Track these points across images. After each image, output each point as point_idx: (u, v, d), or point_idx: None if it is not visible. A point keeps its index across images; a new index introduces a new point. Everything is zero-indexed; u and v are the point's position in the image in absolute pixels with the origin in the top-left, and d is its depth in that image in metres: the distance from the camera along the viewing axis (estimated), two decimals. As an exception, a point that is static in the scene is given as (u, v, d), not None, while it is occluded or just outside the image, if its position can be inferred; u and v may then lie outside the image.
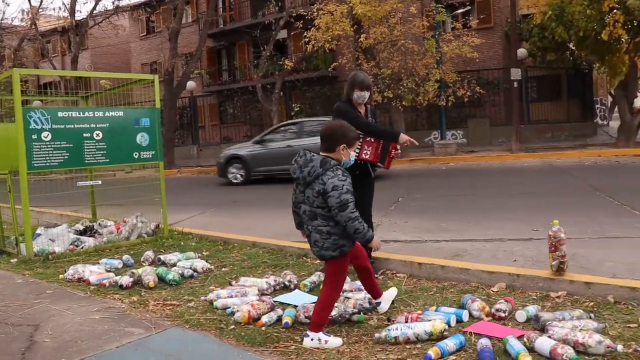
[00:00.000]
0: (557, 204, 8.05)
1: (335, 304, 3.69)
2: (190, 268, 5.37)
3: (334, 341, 3.32)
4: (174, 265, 5.58)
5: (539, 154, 16.65)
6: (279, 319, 3.81)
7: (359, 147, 4.74)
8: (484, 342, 3.04)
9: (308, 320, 3.69)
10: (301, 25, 18.27)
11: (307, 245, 5.94)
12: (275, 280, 4.70)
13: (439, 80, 17.22)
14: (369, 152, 4.78)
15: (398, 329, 3.30)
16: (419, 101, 16.94)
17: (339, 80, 23.62)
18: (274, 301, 4.21)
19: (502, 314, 3.63)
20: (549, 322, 3.33)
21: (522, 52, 19.86)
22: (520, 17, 21.92)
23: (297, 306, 3.93)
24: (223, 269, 5.51)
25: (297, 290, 4.58)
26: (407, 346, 3.24)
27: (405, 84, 16.51)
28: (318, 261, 5.52)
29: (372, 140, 4.75)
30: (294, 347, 3.35)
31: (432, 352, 2.99)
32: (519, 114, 18.84)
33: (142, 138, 7.24)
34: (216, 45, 30.11)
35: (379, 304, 3.95)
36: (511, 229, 6.48)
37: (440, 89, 17.65)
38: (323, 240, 3.38)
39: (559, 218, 4.16)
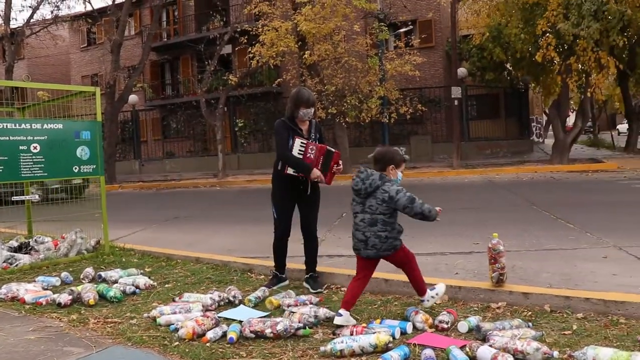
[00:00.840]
0: (497, 219, 8.31)
1: (280, 319, 3.73)
2: (132, 285, 5.25)
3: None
4: (115, 282, 5.44)
5: (479, 170, 17.16)
6: (224, 334, 3.77)
7: None
8: (428, 352, 3.12)
9: (253, 335, 3.70)
10: (246, 41, 18.30)
11: (251, 261, 6.07)
12: (219, 296, 4.66)
13: (381, 97, 17.53)
14: None
15: (343, 342, 3.34)
16: (362, 118, 17.21)
17: (284, 96, 23.70)
18: (219, 317, 4.18)
19: (445, 325, 3.73)
20: (490, 332, 3.44)
21: (462, 71, 20.52)
22: (460, 37, 22.69)
23: (242, 321, 3.91)
24: (166, 286, 5.41)
25: (241, 305, 4.56)
26: (353, 359, 3.28)
27: (348, 101, 16.74)
28: (262, 276, 5.55)
29: (312, 157, 4.79)
30: (240, 363, 3.34)
31: (376, 363, 3.05)
32: (460, 131, 19.40)
33: (82, 152, 7.04)
34: (159, 59, 29.73)
35: (422, 301, 4.11)
36: (453, 243, 6.65)
37: (383, 106, 17.98)
38: (381, 243, 3.99)
39: (498, 232, 4.32)
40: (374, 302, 4.52)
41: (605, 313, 3.84)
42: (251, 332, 3.71)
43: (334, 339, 3.50)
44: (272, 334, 3.67)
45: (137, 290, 5.20)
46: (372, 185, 3.96)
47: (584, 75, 16.94)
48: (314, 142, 4.87)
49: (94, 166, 7.22)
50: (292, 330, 3.69)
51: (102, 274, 5.73)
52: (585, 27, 14.06)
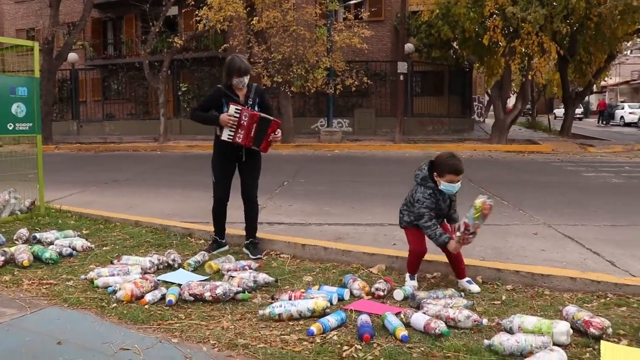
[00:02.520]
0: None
1: (219, 283, 3.81)
2: (69, 246, 5.16)
3: None
4: (51, 243, 5.30)
5: (420, 145, 17.52)
6: (163, 297, 3.79)
7: (234, 129, 4.83)
8: (364, 318, 3.24)
9: (192, 298, 3.74)
10: (193, 3, 17.84)
11: (191, 225, 6.07)
12: (158, 259, 4.65)
13: (328, 68, 17.54)
14: (241, 136, 4.85)
15: (282, 306, 3.42)
16: (307, 88, 17.19)
17: (230, 63, 23.37)
18: (158, 280, 4.19)
19: (381, 293, 3.87)
20: (424, 300, 3.61)
21: (409, 47, 20.70)
22: (409, 13, 22.82)
23: (181, 284, 3.93)
24: (104, 248, 5.34)
25: (181, 269, 4.58)
26: (290, 323, 3.36)
27: (294, 70, 16.68)
28: (202, 241, 5.57)
29: (245, 124, 4.82)
30: (177, 324, 3.37)
31: (314, 327, 3.14)
32: (403, 106, 19.68)
33: (18, 108, 6.74)
34: (102, 17, 28.56)
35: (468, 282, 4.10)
36: (392, 214, 6.76)
37: (329, 77, 18.01)
38: (401, 218, 4.30)
39: None
40: (313, 270, 4.61)
41: (532, 285, 4.08)
42: (190, 295, 3.74)
43: (272, 303, 3.58)
44: (211, 297, 3.72)
45: (74, 252, 5.12)
46: (415, 179, 4.20)
47: (526, 58, 17.41)
48: (248, 109, 4.88)
49: (30, 124, 6.94)
50: (231, 294, 3.75)
51: (37, 235, 5.55)
52: (532, 11, 14.44)
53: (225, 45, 18.18)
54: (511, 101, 26.30)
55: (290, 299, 3.62)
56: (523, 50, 16.04)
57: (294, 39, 16.95)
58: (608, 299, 3.77)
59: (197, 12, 17.30)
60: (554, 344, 2.89)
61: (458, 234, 3.84)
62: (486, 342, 2.92)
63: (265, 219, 6.51)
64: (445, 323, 3.22)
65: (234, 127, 4.85)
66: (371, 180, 10.35)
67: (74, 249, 5.17)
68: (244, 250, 5.17)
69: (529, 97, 21.05)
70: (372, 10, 22.37)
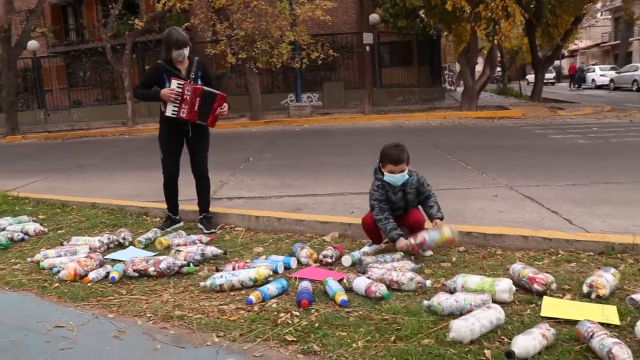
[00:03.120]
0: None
1: (163, 257, 3.74)
2: (21, 231, 5.12)
3: None
4: (4, 229, 5.24)
5: (390, 116, 17.45)
6: (108, 275, 3.72)
7: (177, 104, 4.73)
8: (304, 284, 3.19)
9: (137, 274, 3.68)
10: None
11: (147, 204, 5.99)
12: (108, 238, 4.60)
13: (293, 42, 17.32)
14: (185, 110, 4.76)
15: (223, 277, 3.36)
16: (272, 63, 16.97)
17: (194, 42, 22.96)
18: (106, 258, 4.14)
19: (329, 260, 3.83)
20: (370, 265, 3.56)
21: (374, 17, 20.49)
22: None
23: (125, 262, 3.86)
24: (59, 232, 5.31)
25: (131, 247, 4.50)
26: (232, 293, 3.32)
27: (259, 46, 16.44)
28: (157, 219, 5.51)
29: (188, 98, 4.73)
30: (116, 300, 3.31)
31: (253, 296, 3.09)
32: (372, 78, 19.56)
33: None
34: (61, 2, 27.83)
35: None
36: (354, 184, 6.76)
37: (295, 51, 17.79)
38: None
39: None
40: (266, 241, 4.58)
41: (484, 246, 4.07)
42: (134, 271, 3.68)
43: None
44: (155, 272, 3.66)
45: (26, 236, 5.08)
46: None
47: (492, 23, 17.31)
48: (191, 83, 4.79)
49: None
50: (175, 268, 3.69)
51: None
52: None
53: (186, 24, 17.79)
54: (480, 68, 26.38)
55: (233, 269, 3.57)
56: (488, 14, 15.90)
57: (257, 15, 16.66)
58: (559, 255, 3.77)
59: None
60: (497, 302, 2.87)
61: (412, 241, 3.74)
62: (425, 302, 2.89)
63: (225, 194, 6.47)
64: (389, 286, 3.19)
65: (177, 102, 4.76)
66: (337, 152, 10.29)
67: (26, 233, 5.12)
68: (199, 225, 5.12)
69: (496, 63, 21.02)
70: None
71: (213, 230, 4.96)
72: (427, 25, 23.36)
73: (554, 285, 3.06)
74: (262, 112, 18.32)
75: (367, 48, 18.41)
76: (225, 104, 4.93)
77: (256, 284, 3.34)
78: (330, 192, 6.33)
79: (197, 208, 5.26)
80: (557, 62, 43.75)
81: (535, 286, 3.03)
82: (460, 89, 29.33)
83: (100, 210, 6.04)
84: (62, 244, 4.62)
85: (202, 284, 3.38)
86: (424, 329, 2.62)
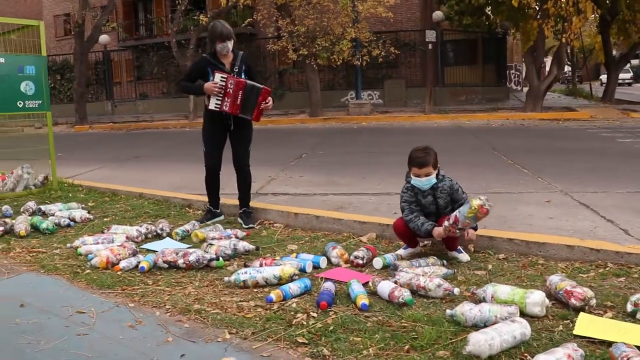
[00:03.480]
0: (452, 161, 8.16)
1: (193, 250, 3.73)
2: (68, 217, 5.27)
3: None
4: (53, 215, 5.41)
5: (450, 116, 17.06)
6: (139, 264, 3.74)
7: (220, 98, 4.73)
8: (327, 285, 3.10)
9: (166, 265, 3.68)
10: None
11: (191, 196, 6.04)
12: (147, 228, 4.65)
13: (354, 39, 17.20)
14: (228, 104, 4.76)
15: (247, 273, 3.31)
16: (333, 60, 16.91)
17: (257, 38, 23.24)
18: (141, 248, 4.18)
19: (360, 261, 3.71)
20: (400, 269, 3.43)
21: (438, 14, 20.09)
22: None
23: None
24: (104, 219, 5.42)
25: (167, 238, 4.53)
26: (255, 290, 3.25)
27: (319, 43, 16.41)
28: (200, 212, 5.53)
29: (231, 91, 4.72)
30: (141, 290, 3.32)
31: (273, 294, 3.02)
32: (434, 76, 19.19)
33: (27, 87, 6.93)
34: (132, -1, 28.81)
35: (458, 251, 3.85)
36: (401, 184, 6.59)
37: (356, 48, 17.67)
38: None
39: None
40: (302, 238, 4.51)
41: (526, 254, 3.84)
42: (164, 262, 3.68)
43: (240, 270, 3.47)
44: (184, 265, 3.65)
45: (72, 223, 5.20)
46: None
47: (561, 21, 16.61)
48: (234, 76, 4.78)
49: (40, 102, 7.10)
50: (204, 262, 3.66)
51: (43, 207, 5.74)
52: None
53: (249, 19, 17.99)
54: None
55: (260, 266, 3.50)
56: (557, 11, 15.22)
57: (319, 11, 16.65)
58: (607, 268, 3.50)
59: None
60: (528, 315, 2.69)
61: (446, 223, 3.57)
62: (448, 312, 2.73)
63: (272, 189, 6.45)
64: (416, 292, 3.06)
65: (221, 95, 4.76)
66: (389, 151, 10.09)
67: (72, 220, 5.26)
68: (239, 219, 5.10)
69: (564, 62, 20.09)
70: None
71: (251, 225, 4.93)
72: (493, 23, 22.72)
73: (593, 301, 2.82)
74: (322, 108, 18.29)
75: (430, 46, 18.08)
76: (269, 97, 4.91)
77: (280, 282, 3.26)
78: (376, 192, 6.19)
79: (237, 202, 5.25)
80: (635, 62, 41.53)
81: (572, 300, 2.81)
82: (526, 89, 28.44)
83: (146, 201, 6.17)
84: (102, 232, 4.70)
85: (226, 279, 3.34)
86: (442, 339, 2.46)
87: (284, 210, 5.08)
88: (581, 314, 2.71)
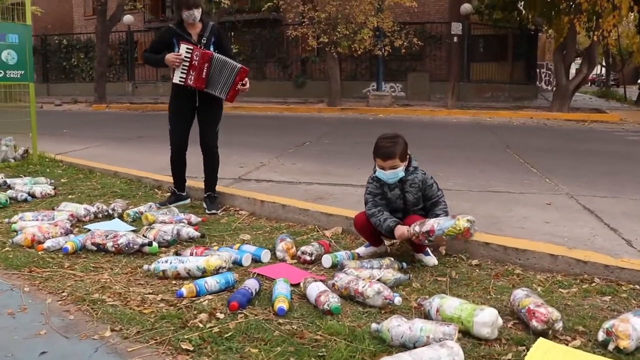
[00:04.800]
0: (461, 157, 7.73)
1: (124, 233, 3.34)
2: (27, 192, 5.00)
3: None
4: (12, 189, 5.17)
5: (472, 112, 16.45)
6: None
7: (185, 71, 4.34)
8: (249, 283, 2.70)
9: (94, 248, 3.32)
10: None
11: (163, 177, 5.66)
12: (98, 208, 4.32)
13: (377, 29, 16.66)
14: (192, 77, 4.36)
15: (168, 262, 2.91)
16: (354, 49, 16.40)
17: (282, 24, 22.80)
18: (84, 228, 3.86)
19: (308, 257, 3.29)
20: (347, 269, 3.00)
21: (466, 7, 19.33)
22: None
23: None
24: (69, 196, 5.14)
25: (117, 219, 4.17)
26: (174, 282, 2.86)
27: (340, 30, 15.92)
28: (169, 193, 5.14)
29: (196, 64, 4.33)
30: (49, 273, 2.96)
31: (185, 289, 2.62)
32: (458, 70, 18.54)
33: (8, 56, 6.71)
34: (159, -21, 28.63)
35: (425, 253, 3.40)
36: (396, 177, 6.13)
37: (378, 38, 17.12)
38: None
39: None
40: (263, 228, 4.11)
41: (503, 261, 3.38)
42: (92, 244, 3.33)
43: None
44: (113, 248, 3.29)
45: (30, 198, 4.95)
46: None
47: (594, 17, 15.75)
48: (200, 48, 4.38)
49: (22, 72, 6.90)
50: (135, 246, 3.28)
51: (8, 180, 5.51)
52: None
53: (268, 3, 17.56)
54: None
55: (191, 254, 3.09)
56: (590, 7, 14.40)
57: (341, -3, 16.17)
58: (594, 284, 3.01)
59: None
60: (475, 337, 2.24)
61: (417, 228, 3.09)
62: (374, 326, 2.28)
63: (256, 176, 6.06)
64: (354, 298, 2.62)
65: (186, 68, 4.37)
66: (396, 143, 9.58)
67: (32, 195, 5.02)
68: (203, 204, 4.71)
69: (595, 62, 19.12)
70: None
71: (214, 211, 4.55)
72: (524, 18, 21.86)
73: (559, 325, 2.32)
74: (340, 98, 17.83)
75: (455, 39, 17.40)
76: (246, 78, 4.53)
77: (204, 275, 2.85)
78: (365, 184, 5.72)
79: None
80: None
81: (534, 322, 2.33)
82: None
83: (119, 180, 5.92)
84: (53, 209, 4.37)
85: (145, 267, 2.95)
86: (356, 360, 2.02)
87: (251, 197, 4.68)
88: (539, 339, 2.22)
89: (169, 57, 4.35)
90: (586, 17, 15.06)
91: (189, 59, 4.35)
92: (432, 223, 3.06)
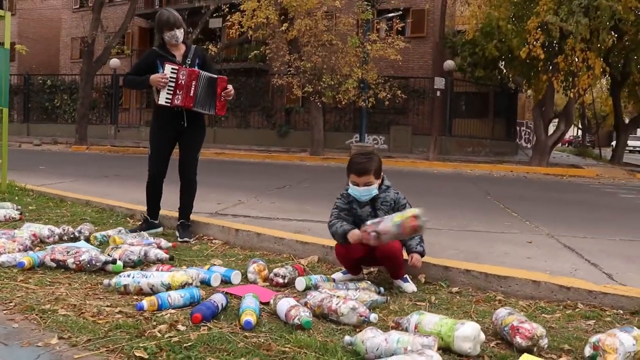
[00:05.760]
0: (440, 202, 7.68)
1: (87, 249, 3.15)
2: (-9, 216, 4.77)
3: None
4: None
5: (453, 164, 16.53)
6: (23, 260, 3.19)
7: (171, 91, 4.23)
8: (216, 297, 2.54)
9: (54, 264, 3.13)
10: (228, 12, 17.62)
11: (136, 207, 5.48)
12: (63, 229, 4.13)
13: (362, 81, 16.87)
14: (180, 97, 4.26)
15: (130, 277, 2.73)
16: (338, 99, 16.54)
17: (268, 74, 23.08)
18: (46, 247, 3.64)
19: (281, 280, 3.13)
20: (321, 289, 2.84)
21: (449, 63, 19.79)
22: (455, 31, 22.03)
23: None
24: (36, 221, 4.85)
25: (82, 241, 3.97)
26: (137, 297, 2.67)
27: (325, 80, 16.08)
28: (139, 223, 4.96)
29: (184, 82, 4.23)
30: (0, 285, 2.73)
31: (145, 301, 2.45)
32: (440, 123, 18.76)
33: None
34: (149, 26, 28.98)
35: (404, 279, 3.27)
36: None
37: (362, 89, 17.32)
38: None
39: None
40: (237, 255, 3.95)
41: (484, 289, 3.27)
42: (52, 260, 3.13)
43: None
44: (74, 265, 3.09)
45: None
46: None
47: (571, 77, 16.21)
48: (186, 67, 4.28)
49: None
50: (98, 264, 3.09)
51: None
52: (575, 22, 13.34)
53: (255, 52, 17.76)
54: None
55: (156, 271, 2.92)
56: (567, 67, 14.83)
57: (327, 49, 16.40)
58: (577, 310, 2.91)
59: (229, 18, 16.96)
60: (456, 353, 2.10)
61: (369, 222, 3.00)
62: (347, 338, 2.14)
63: (232, 211, 5.90)
64: (327, 317, 2.47)
65: (171, 88, 4.27)
66: (377, 188, 9.51)
67: None
68: (176, 232, 4.54)
69: (573, 119, 19.58)
70: (409, 22, 21.72)
71: (187, 239, 4.37)
72: (505, 77, 22.41)
73: (544, 341, 2.21)
74: (323, 148, 17.86)
75: (438, 93, 17.70)
76: (229, 86, 4.44)
77: (169, 290, 2.67)
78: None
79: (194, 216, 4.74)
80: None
81: (518, 339, 2.20)
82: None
83: (90, 208, 5.69)
84: (14, 229, 4.17)
85: (105, 281, 2.76)
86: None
87: (225, 226, 4.52)
88: (524, 355, 2.08)
89: (154, 77, 4.25)
90: (563, 76, 15.45)
91: (174, 79, 4.25)
92: (381, 218, 3.02)
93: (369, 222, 3.00)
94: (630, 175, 15.59)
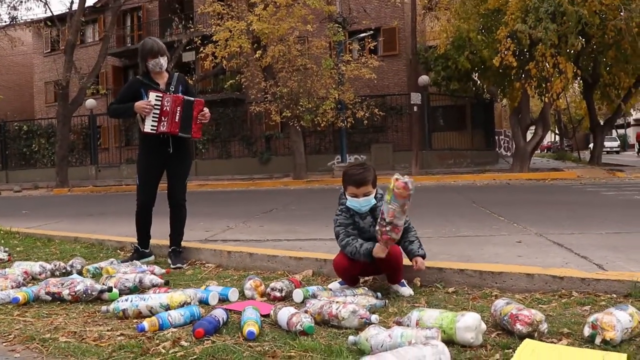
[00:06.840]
0: (427, 212, 7.72)
1: (81, 279, 3.14)
2: (-25, 257, 4.73)
3: None
4: None
5: (436, 177, 16.69)
6: (19, 297, 3.16)
7: (156, 118, 4.26)
8: (216, 312, 2.54)
9: (49, 297, 3.11)
10: (201, 45, 17.76)
11: (125, 239, 5.46)
12: (55, 265, 4.10)
13: (339, 102, 17.03)
14: (166, 123, 4.29)
15: (129, 301, 2.73)
16: (317, 122, 16.66)
17: (245, 102, 23.17)
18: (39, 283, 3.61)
19: (278, 294, 3.14)
20: (320, 298, 2.86)
21: (424, 78, 20.07)
22: (426, 47, 22.34)
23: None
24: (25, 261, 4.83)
25: (75, 274, 3.94)
26: (136, 320, 2.66)
27: (302, 104, 16.20)
28: (130, 254, 4.94)
29: (168, 109, 4.26)
30: (-2, 320, 2.72)
31: (146, 322, 2.44)
32: (420, 138, 18.92)
33: None
34: (122, 65, 29.05)
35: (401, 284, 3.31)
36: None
37: (340, 110, 17.47)
38: None
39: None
40: (231, 276, 3.95)
41: (480, 286, 3.31)
42: (47, 293, 3.11)
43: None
44: (70, 296, 3.07)
45: None
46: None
47: (544, 82, 16.52)
48: (170, 94, 4.31)
49: None
50: (94, 293, 3.08)
51: None
52: (543, 29, 13.65)
53: (230, 81, 17.86)
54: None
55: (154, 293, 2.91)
56: (538, 73, 15.12)
57: (302, 73, 16.56)
58: (572, 297, 2.96)
59: (202, 49, 17.08)
60: (458, 344, 2.12)
61: (377, 227, 3.01)
62: (351, 338, 2.17)
63: (223, 237, 5.89)
64: (329, 322, 2.49)
65: (156, 115, 4.29)
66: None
67: None
68: (168, 259, 4.52)
69: (549, 123, 19.93)
70: (381, 40, 22.02)
71: (179, 265, 4.37)
72: (480, 88, 22.74)
73: (544, 326, 2.25)
74: (305, 171, 17.92)
75: (415, 108, 17.90)
76: (205, 109, 4.48)
77: (169, 310, 2.66)
78: (334, 238, 5.62)
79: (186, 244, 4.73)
80: (622, 131, 41.89)
81: (518, 326, 2.24)
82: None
83: (79, 244, 5.67)
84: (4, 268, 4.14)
85: (103, 308, 2.76)
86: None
87: (217, 249, 4.53)
88: (525, 340, 2.13)
89: (139, 104, 4.27)
90: (536, 82, 15.74)
91: (159, 107, 4.28)
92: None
93: (377, 228, 3.00)
94: (610, 174, 15.87)
